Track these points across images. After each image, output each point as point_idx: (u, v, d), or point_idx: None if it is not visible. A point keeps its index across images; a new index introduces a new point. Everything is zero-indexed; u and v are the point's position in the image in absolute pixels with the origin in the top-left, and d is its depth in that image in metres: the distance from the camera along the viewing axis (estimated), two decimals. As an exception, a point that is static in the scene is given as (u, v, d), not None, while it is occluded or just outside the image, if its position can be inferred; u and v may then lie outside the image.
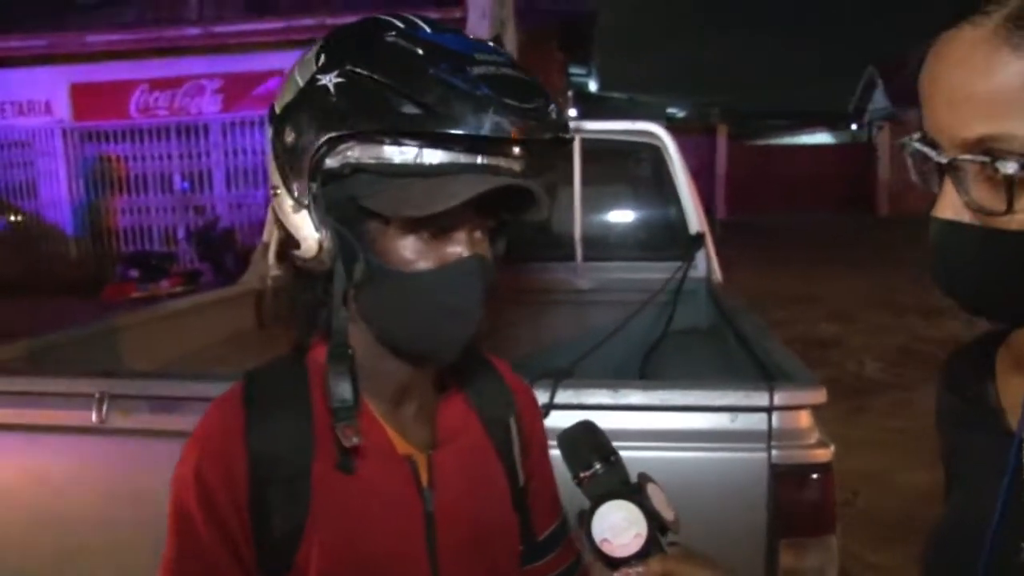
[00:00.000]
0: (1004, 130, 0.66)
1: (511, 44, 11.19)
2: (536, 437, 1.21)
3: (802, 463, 1.71)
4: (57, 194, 11.67)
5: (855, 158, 24.62)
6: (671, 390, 1.77)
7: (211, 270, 9.98)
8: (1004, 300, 0.74)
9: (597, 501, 0.90)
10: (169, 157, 11.45)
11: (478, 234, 0.94)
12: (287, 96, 0.94)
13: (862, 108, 27.41)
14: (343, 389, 0.94)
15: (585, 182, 3.80)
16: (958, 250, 0.73)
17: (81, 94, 11.35)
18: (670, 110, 28.32)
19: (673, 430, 1.75)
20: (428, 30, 0.91)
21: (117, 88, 11.23)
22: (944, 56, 0.70)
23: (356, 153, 0.89)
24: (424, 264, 0.92)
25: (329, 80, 0.89)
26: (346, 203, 0.92)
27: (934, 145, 0.72)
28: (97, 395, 1.88)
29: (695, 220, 3.66)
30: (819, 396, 1.72)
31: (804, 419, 1.74)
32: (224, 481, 0.94)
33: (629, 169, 4.28)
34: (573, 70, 19.64)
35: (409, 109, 0.85)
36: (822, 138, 29.95)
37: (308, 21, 7.91)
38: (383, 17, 0.93)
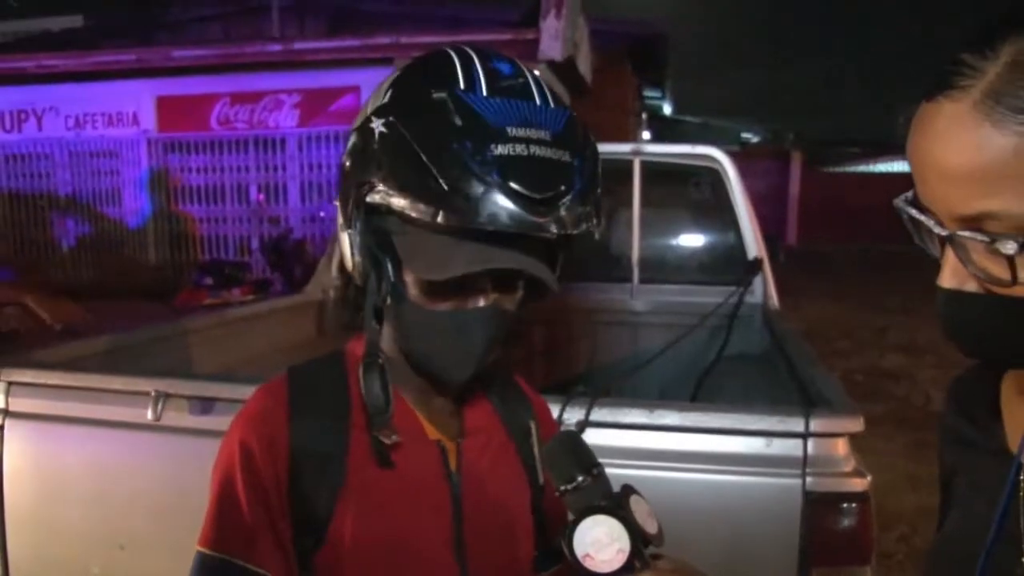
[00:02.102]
0: (998, 207, 0.65)
1: (584, 66, 11.23)
2: None
3: (837, 491, 1.70)
4: (140, 202, 12.04)
5: (933, 188, 23.94)
6: (707, 412, 1.78)
7: (282, 280, 10.20)
8: (1010, 356, 0.77)
9: (579, 515, 0.89)
10: (247, 169, 11.70)
11: (489, 288, 0.99)
12: (357, 121, 1.01)
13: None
14: (376, 396, 1.02)
15: (644, 204, 3.81)
16: (964, 317, 0.73)
17: (166, 106, 11.70)
18: (744, 135, 28.01)
19: (708, 452, 1.76)
20: (484, 90, 0.94)
21: (200, 101, 11.55)
22: (927, 130, 0.69)
23: (388, 198, 0.94)
24: (437, 306, 1.00)
25: (377, 126, 0.95)
26: (383, 234, 1.00)
27: (930, 212, 0.72)
28: (153, 393, 1.97)
29: (753, 245, 3.64)
30: (856, 424, 1.71)
31: (841, 447, 1.73)
32: (267, 451, 1.01)
33: (689, 192, 4.28)
34: (647, 93, 19.59)
35: (428, 180, 0.90)
36: (899, 167, 29.29)
37: (383, 39, 8.06)
38: (454, 59, 0.97)
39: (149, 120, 11.82)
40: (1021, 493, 0.80)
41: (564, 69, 10.48)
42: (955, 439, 0.93)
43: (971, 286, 0.71)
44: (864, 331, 10.08)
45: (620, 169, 3.86)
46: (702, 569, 0.94)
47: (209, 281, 9.97)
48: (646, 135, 19.31)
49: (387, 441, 1.02)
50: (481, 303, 0.99)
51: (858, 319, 10.78)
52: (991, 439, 0.86)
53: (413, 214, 0.92)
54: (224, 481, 1.03)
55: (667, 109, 23.36)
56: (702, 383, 3.45)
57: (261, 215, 11.83)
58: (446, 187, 0.89)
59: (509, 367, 1.26)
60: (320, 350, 1.16)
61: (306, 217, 11.64)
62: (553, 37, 9.81)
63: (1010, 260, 0.66)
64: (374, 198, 0.96)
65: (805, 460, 1.71)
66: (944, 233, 0.70)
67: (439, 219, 0.90)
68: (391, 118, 0.94)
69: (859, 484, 1.70)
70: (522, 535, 1.15)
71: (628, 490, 0.93)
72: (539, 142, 0.91)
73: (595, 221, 0.96)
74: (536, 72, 1.01)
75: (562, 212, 0.91)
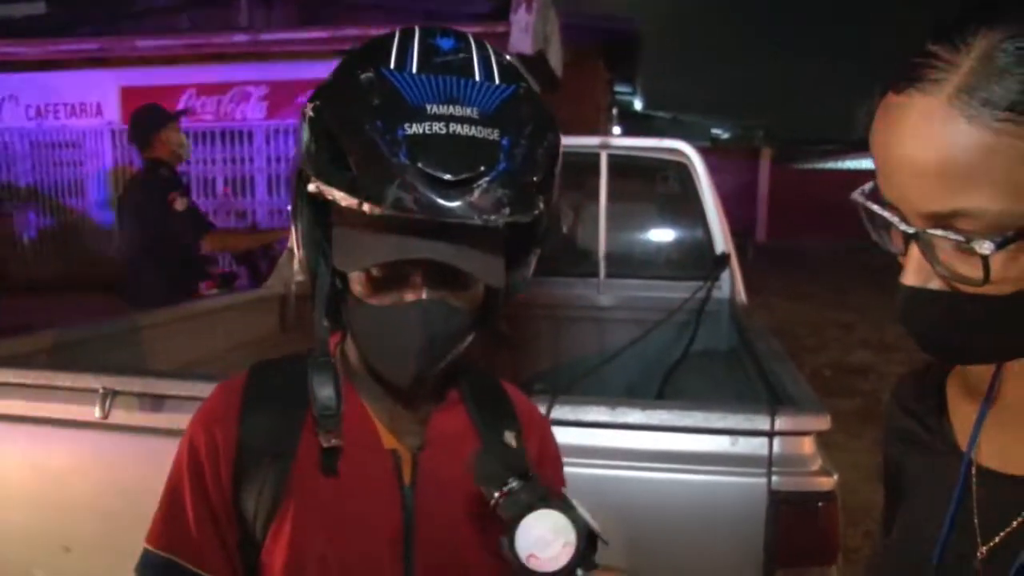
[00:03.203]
0: (972, 205, 0.63)
1: (555, 60, 11.18)
2: (546, 459, 1.18)
3: (803, 491, 1.67)
4: (104, 194, 11.85)
5: (902, 185, 24.21)
6: (671, 410, 1.74)
7: (248, 274, 10.08)
8: (972, 352, 0.76)
9: (518, 515, 0.84)
10: (213, 161, 11.56)
11: (425, 281, 0.92)
12: None
13: (910, 135, 26.92)
14: (324, 397, 0.98)
15: (611, 198, 3.77)
16: (928, 315, 0.72)
17: (130, 97, 11.50)
18: (715, 131, 28.17)
19: (672, 451, 1.73)
20: (414, 67, 0.87)
21: (165, 92, 11.33)
22: (896, 125, 0.66)
23: (322, 187, 0.89)
24: (376, 300, 0.93)
25: (308, 110, 0.91)
26: (326, 226, 0.95)
27: (894, 209, 0.70)
28: (101, 390, 1.90)
29: (721, 240, 3.62)
30: (823, 423, 1.68)
31: (807, 445, 1.70)
32: (213, 452, 0.99)
33: (656, 187, 4.25)
34: (618, 88, 19.59)
35: (343, 166, 0.85)
36: (868, 164, 29.47)
37: (352, 31, 7.95)
38: (394, 37, 0.92)
39: (113, 111, 11.63)
40: (973, 488, 0.80)
41: (534, 63, 10.44)
42: (902, 438, 0.94)
43: (935, 284, 0.69)
44: (832, 327, 10.13)
45: (587, 163, 3.82)
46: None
47: (174, 274, 9.82)
48: (617, 130, 19.31)
49: (325, 444, 0.97)
50: (422, 296, 0.92)
51: (827, 315, 10.84)
52: (939, 437, 0.87)
53: (343, 203, 0.86)
54: (173, 479, 1.02)
55: (638, 104, 23.40)
56: (669, 379, 3.43)
57: (228, 208, 11.68)
58: (355, 172, 0.83)
59: (487, 369, 1.19)
60: (282, 345, 1.10)
61: (273, 210, 11.51)
62: (523, 30, 9.74)
63: (984, 260, 0.64)
64: (311, 187, 0.90)
65: (771, 459, 1.68)
66: (911, 231, 0.68)
67: (364, 207, 0.84)
68: (318, 101, 0.90)
69: (826, 483, 1.67)
70: (499, 559, 1.08)
71: (563, 493, 0.89)
72: (462, 120, 0.83)
73: (528, 206, 0.87)
74: (508, 57, 0.94)
75: (476, 196, 0.83)
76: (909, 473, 0.92)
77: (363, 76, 0.87)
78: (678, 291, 3.62)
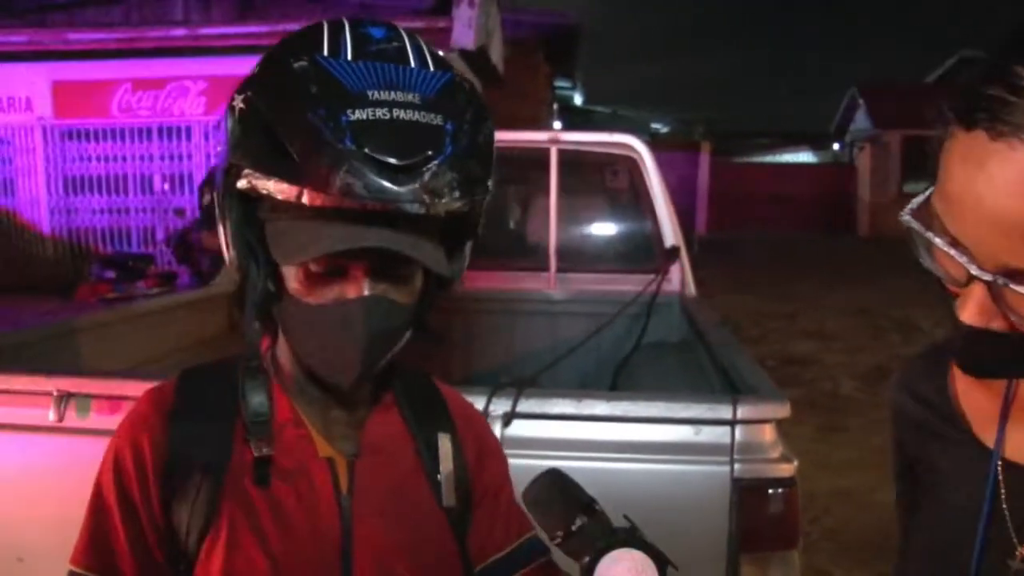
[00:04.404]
0: None
1: (497, 55, 11.20)
2: (486, 457, 1.14)
3: (765, 477, 1.71)
4: (35, 192, 11.52)
5: (836, 178, 24.81)
6: (635, 401, 1.76)
7: (188, 273, 9.91)
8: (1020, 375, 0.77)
9: (594, 557, 0.82)
10: (150, 158, 11.32)
11: (368, 275, 0.90)
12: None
13: (844, 128, 27.61)
14: (258, 403, 0.96)
15: (562, 193, 3.79)
16: (991, 354, 0.70)
17: (63, 92, 11.21)
18: (654, 125, 28.48)
19: (636, 442, 1.75)
20: (349, 54, 0.86)
21: (100, 87, 11.10)
22: (993, 174, 0.59)
23: (254, 181, 0.86)
24: (314, 298, 0.90)
25: (237, 103, 0.88)
26: (258, 223, 0.92)
27: (958, 244, 0.65)
28: (55, 393, 1.85)
29: (671, 233, 3.66)
30: (783, 410, 1.72)
31: (768, 433, 1.74)
32: (139, 462, 0.96)
33: (605, 181, 4.29)
34: (559, 83, 19.69)
35: (283, 156, 0.82)
36: (804, 157, 30.09)
37: (291, 25, 7.93)
38: (324, 27, 0.90)
39: (45, 106, 11.30)
40: (1001, 491, 0.79)
41: (477, 58, 10.44)
42: (915, 427, 0.92)
43: (997, 324, 0.65)
44: (773, 319, 10.31)
45: (536, 157, 3.84)
46: None
47: (111, 274, 9.62)
48: (557, 125, 19.41)
49: (257, 454, 0.94)
50: (364, 292, 0.89)
51: (767, 307, 11.02)
52: (955, 428, 0.85)
53: (278, 196, 0.84)
54: (98, 493, 0.98)
55: (578, 99, 23.54)
56: (621, 371, 3.46)
57: (166, 206, 11.47)
58: (298, 160, 0.81)
59: (422, 370, 1.15)
60: (232, 343, 1.07)
61: (213, 208, 11.33)
62: (466, 25, 9.75)
63: None
64: (242, 183, 0.88)
65: (733, 447, 1.71)
66: (987, 278, 0.63)
67: (303, 199, 0.82)
68: (249, 93, 0.87)
69: (786, 470, 1.71)
70: (435, 556, 1.04)
71: (628, 518, 0.87)
72: (405, 105, 0.82)
73: (474, 192, 0.87)
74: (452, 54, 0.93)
75: (427, 179, 0.81)
76: (928, 464, 0.90)
77: (296, 65, 0.84)
78: (629, 284, 3.66)
